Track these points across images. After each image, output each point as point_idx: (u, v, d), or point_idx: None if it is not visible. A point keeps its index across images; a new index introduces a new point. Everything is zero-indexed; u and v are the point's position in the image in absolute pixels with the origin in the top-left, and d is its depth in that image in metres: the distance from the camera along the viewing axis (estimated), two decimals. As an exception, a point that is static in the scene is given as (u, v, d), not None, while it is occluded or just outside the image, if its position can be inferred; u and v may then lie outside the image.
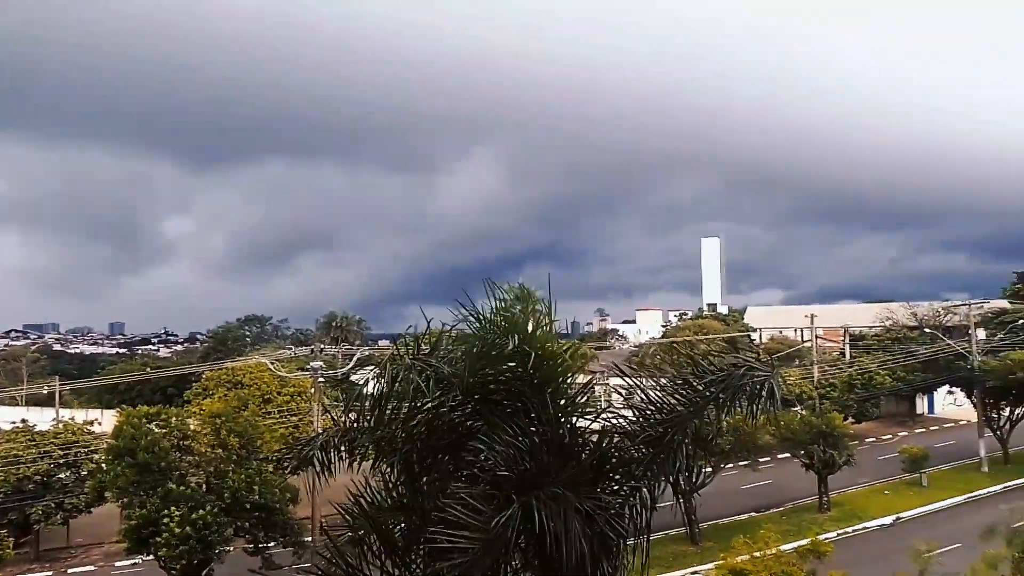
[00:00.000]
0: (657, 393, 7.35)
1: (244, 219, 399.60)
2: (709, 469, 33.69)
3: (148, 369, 65.72)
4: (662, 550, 30.58)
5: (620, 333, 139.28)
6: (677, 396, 7.23)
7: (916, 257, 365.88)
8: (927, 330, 61.34)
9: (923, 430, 60.43)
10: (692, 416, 7.06)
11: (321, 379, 30.26)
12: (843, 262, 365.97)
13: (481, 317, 7.26)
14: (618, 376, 8.10)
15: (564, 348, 7.82)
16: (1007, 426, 48.51)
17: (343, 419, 7.80)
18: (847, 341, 65.80)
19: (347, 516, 7.08)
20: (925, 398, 66.95)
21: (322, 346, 47.97)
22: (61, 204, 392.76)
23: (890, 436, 57.47)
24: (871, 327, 72.07)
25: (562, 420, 7.48)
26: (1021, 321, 66.38)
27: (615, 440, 7.11)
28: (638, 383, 7.49)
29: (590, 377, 8.21)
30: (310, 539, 27.56)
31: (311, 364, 32.03)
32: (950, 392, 62.89)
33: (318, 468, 7.57)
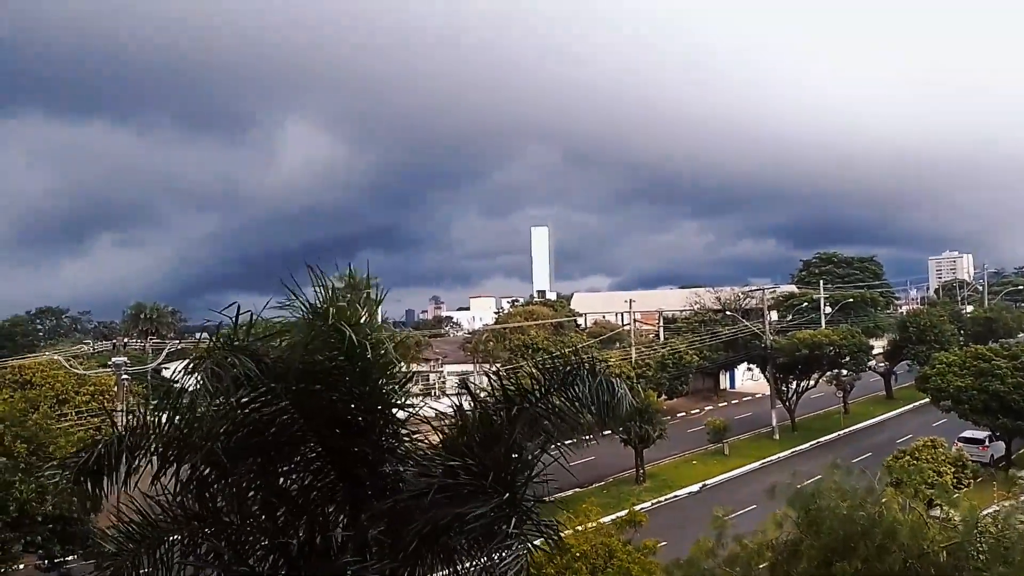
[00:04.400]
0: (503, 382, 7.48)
1: (9, 190, 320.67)
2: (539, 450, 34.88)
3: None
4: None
5: (454, 320, 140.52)
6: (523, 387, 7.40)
7: (732, 243, 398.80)
8: (728, 312, 67.50)
9: (725, 404, 66.28)
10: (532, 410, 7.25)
11: (125, 376, 27.76)
12: (665, 247, 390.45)
13: (306, 307, 6.92)
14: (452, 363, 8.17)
15: (390, 337, 7.70)
16: (794, 398, 54.58)
17: (149, 418, 7.20)
18: (661, 324, 70.82)
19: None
20: (727, 374, 73.51)
21: (126, 340, 43.87)
22: None
23: (697, 410, 62.54)
24: (682, 310, 78.07)
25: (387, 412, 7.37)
26: (805, 304, 74.97)
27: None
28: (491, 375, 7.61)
29: (414, 365, 8.19)
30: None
31: (113, 360, 29.26)
32: (748, 368, 69.61)
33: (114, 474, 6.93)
